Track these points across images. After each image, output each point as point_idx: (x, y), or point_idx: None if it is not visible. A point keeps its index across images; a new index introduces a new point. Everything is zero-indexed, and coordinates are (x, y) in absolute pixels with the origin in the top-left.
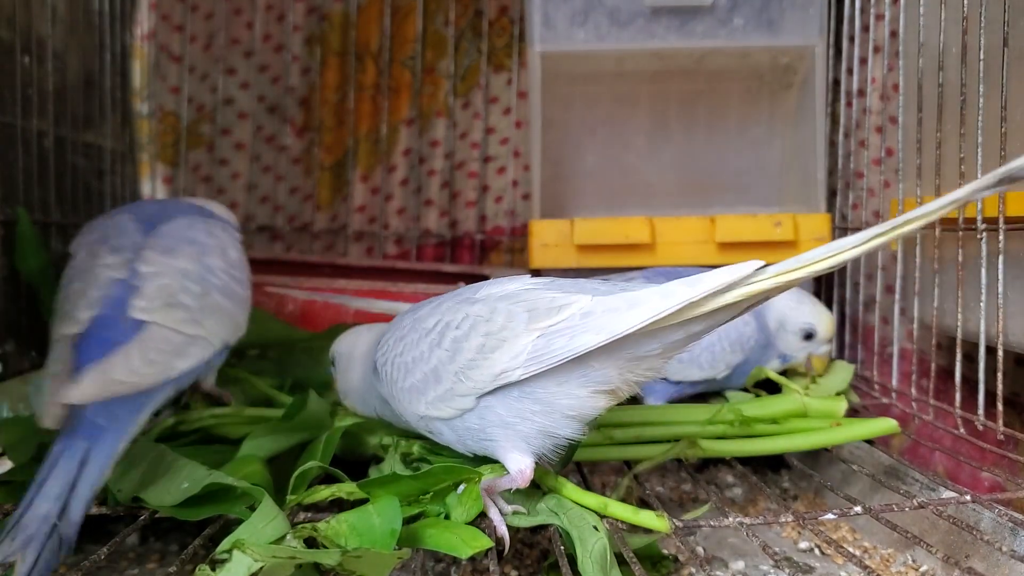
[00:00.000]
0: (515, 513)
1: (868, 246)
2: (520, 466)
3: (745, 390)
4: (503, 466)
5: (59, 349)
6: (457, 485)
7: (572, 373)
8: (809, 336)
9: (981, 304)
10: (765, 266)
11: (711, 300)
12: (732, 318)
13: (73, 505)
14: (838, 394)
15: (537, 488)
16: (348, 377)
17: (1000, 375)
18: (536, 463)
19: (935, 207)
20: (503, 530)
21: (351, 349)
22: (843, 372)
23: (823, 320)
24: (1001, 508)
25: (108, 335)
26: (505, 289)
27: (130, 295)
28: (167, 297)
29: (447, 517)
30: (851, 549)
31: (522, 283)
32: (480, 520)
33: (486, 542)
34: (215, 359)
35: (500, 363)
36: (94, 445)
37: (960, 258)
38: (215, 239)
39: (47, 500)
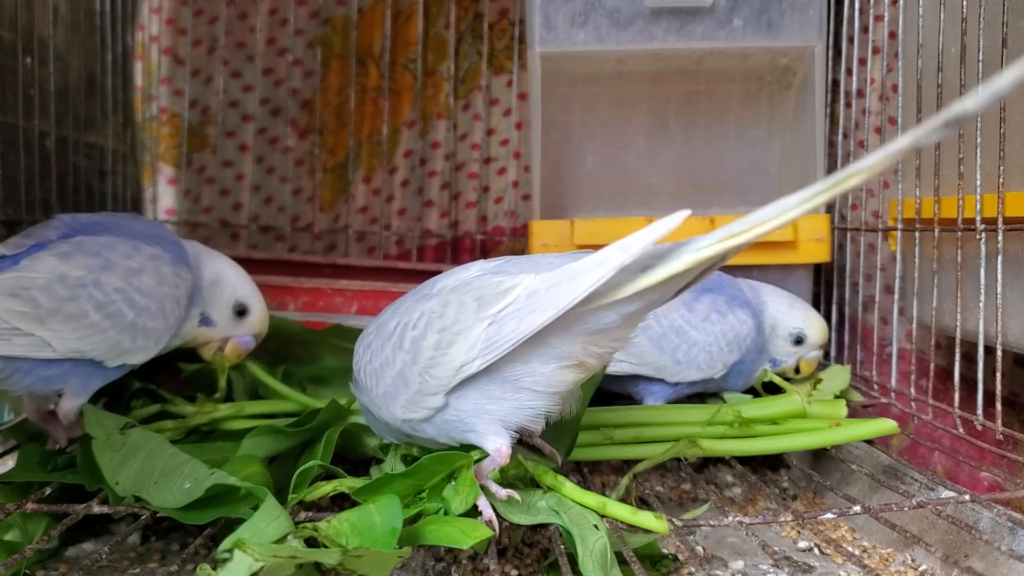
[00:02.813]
0: (515, 512)
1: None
2: (496, 445)
3: (753, 391)
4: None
5: None
6: (451, 477)
7: (533, 352)
8: (799, 341)
9: (980, 304)
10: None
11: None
12: (686, 285)
13: None
14: (838, 397)
15: (537, 487)
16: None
17: (999, 375)
18: (536, 461)
19: None
20: (489, 513)
21: None
22: (841, 375)
23: (813, 325)
24: (1000, 508)
25: None
26: (458, 279)
27: None
28: (14, 288)
29: (446, 513)
30: (850, 548)
31: (474, 270)
32: (479, 513)
33: (486, 532)
34: (77, 374)
35: (459, 357)
36: None
37: (959, 258)
38: (132, 262)
39: None
